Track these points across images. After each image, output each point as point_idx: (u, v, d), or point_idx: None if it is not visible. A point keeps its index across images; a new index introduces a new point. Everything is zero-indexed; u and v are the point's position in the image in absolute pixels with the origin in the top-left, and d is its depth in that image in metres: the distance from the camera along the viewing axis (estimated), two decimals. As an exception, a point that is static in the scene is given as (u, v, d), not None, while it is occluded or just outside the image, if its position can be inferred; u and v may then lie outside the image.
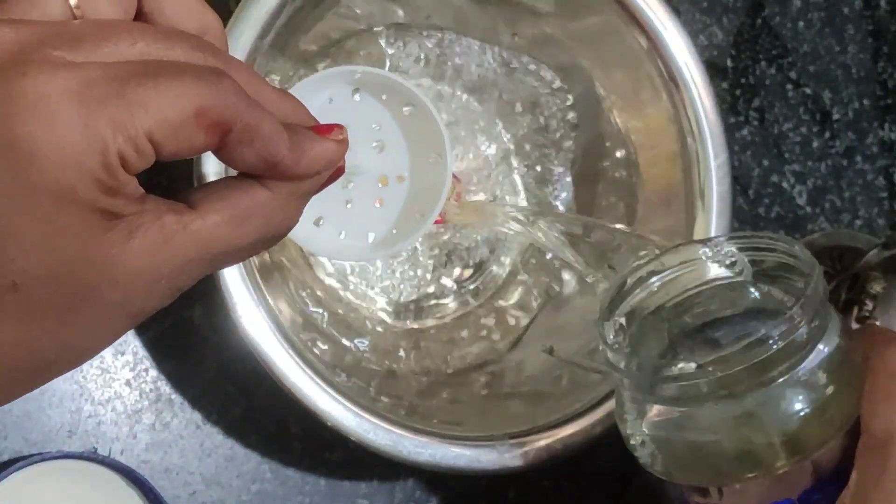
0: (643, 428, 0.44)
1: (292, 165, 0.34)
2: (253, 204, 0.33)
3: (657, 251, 0.45)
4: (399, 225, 0.49)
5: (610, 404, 0.55)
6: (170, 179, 0.52)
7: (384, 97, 0.48)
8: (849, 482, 0.41)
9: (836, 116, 0.70)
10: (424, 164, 0.49)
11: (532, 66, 0.62)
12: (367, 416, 0.52)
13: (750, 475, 0.42)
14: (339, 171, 0.36)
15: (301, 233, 0.49)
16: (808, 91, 0.70)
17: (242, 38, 0.51)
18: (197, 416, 0.57)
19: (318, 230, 0.49)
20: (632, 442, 0.45)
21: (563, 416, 0.55)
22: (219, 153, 0.32)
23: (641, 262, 0.45)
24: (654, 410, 0.43)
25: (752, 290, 0.44)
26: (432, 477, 0.59)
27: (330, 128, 0.35)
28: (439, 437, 0.53)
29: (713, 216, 0.57)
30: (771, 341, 0.40)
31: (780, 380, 0.41)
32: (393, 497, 0.59)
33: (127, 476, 0.53)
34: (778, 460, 0.41)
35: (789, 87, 0.69)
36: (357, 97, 0.48)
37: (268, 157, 0.33)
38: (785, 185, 0.69)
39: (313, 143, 0.34)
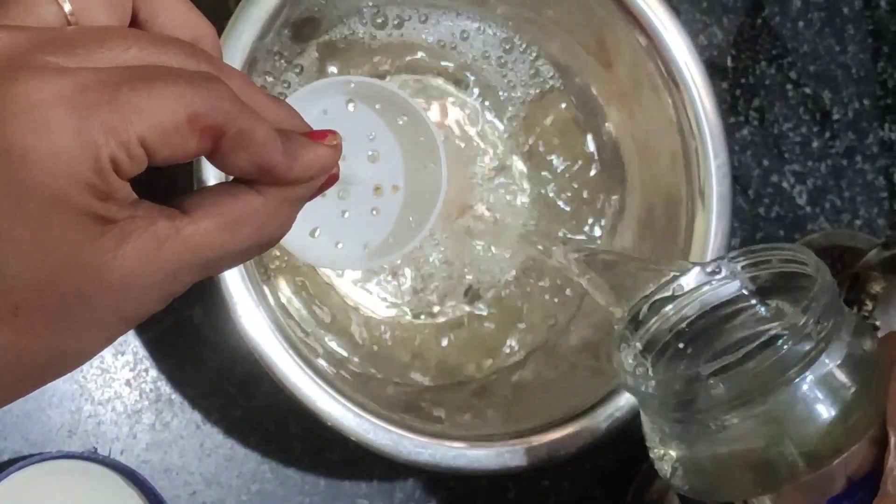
0: (667, 447, 0.44)
1: (286, 171, 0.34)
2: (246, 210, 0.33)
3: (668, 277, 0.45)
4: (395, 233, 0.50)
5: (609, 405, 0.55)
6: (170, 178, 0.52)
7: (378, 107, 0.48)
8: (880, 489, 0.41)
9: (836, 116, 0.70)
10: (420, 173, 0.49)
11: (531, 58, 0.62)
12: (367, 416, 0.52)
13: (775, 485, 0.41)
14: (333, 178, 0.36)
15: (297, 243, 0.49)
16: (808, 91, 0.70)
17: (242, 38, 0.51)
18: (197, 416, 0.57)
19: (314, 240, 0.50)
20: (657, 461, 0.45)
21: (562, 416, 0.55)
22: (212, 158, 0.32)
23: (654, 289, 0.45)
24: (676, 428, 0.43)
25: (761, 307, 0.44)
26: (432, 477, 0.59)
27: (323, 133, 0.35)
28: (439, 437, 0.53)
29: (713, 216, 0.57)
30: (780, 341, 0.40)
31: (796, 380, 0.40)
32: (393, 497, 0.59)
33: (127, 476, 0.53)
34: (803, 467, 0.41)
35: (789, 87, 0.69)
36: (351, 107, 0.48)
37: (261, 162, 0.33)
38: (785, 185, 0.69)
39: (307, 149, 0.34)
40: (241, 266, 0.50)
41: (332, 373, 0.54)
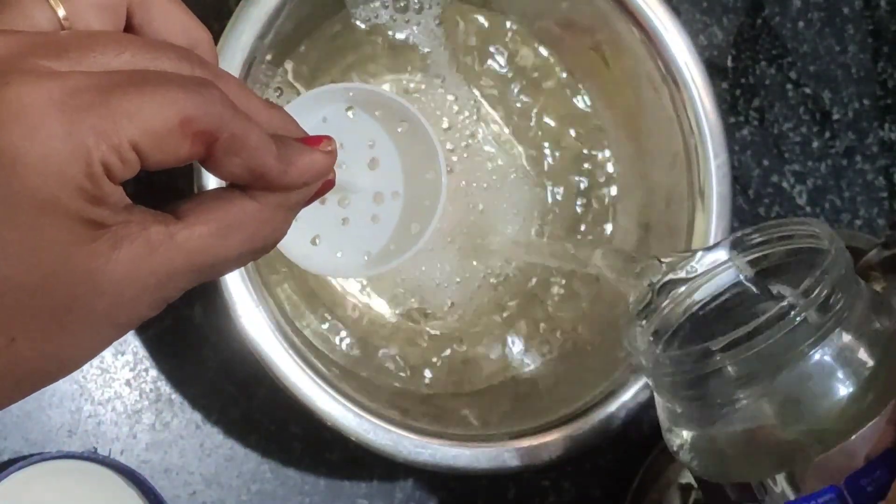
0: (679, 427, 0.43)
1: (280, 176, 0.33)
2: (240, 215, 0.33)
3: (681, 259, 0.45)
4: (396, 240, 0.49)
5: (610, 405, 0.55)
6: (169, 177, 0.52)
7: (378, 113, 0.48)
8: None
9: (836, 116, 0.70)
10: (419, 179, 0.49)
11: (534, 57, 0.62)
12: (367, 416, 0.52)
13: (790, 464, 0.41)
14: (328, 185, 0.36)
15: (298, 252, 0.49)
16: (808, 91, 0.70)
17: (242, 39, 0.51)
18: (197, 416, 0.57)
19: (315, 248, 0.49)
20: (670, 442, 0.44)
21: (562, 416, 0.55)
22: (205, 163, 0.32)
23: (666, 270, 0.45)
24: (688, 408, 0.42)
25: (768, 287, 0.44)
26: (432, 477, 0.59)
27: (318, 139, 0.35)
28: (439, 437, 0.53)
29: (713, 216, 0.57)
30: (792, 313, 0.39)
31: (809, 354, 0.39)
32: (393, 497, 0.59)
33: (127, 476, 0.53)
34: (817, 445, 0.40)
35: (789, 87, 0.69)
36: (351, 114, 0.48)
37: (255, 167, 0.33)
38: (785, 185, 0.69)
39: (301, 155, 0.34)
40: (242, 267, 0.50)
41: (333, 373, 0.54)
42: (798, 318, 0.39)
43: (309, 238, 0.50)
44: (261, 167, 0.33)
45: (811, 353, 0.40)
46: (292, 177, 0.34)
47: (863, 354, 0.40)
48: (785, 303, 0.39)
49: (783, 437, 0.41)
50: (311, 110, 0.47)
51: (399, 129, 0.49)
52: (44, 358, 0.31)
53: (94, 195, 0.30)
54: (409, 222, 0.50)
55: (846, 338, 0.40)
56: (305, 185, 0.34)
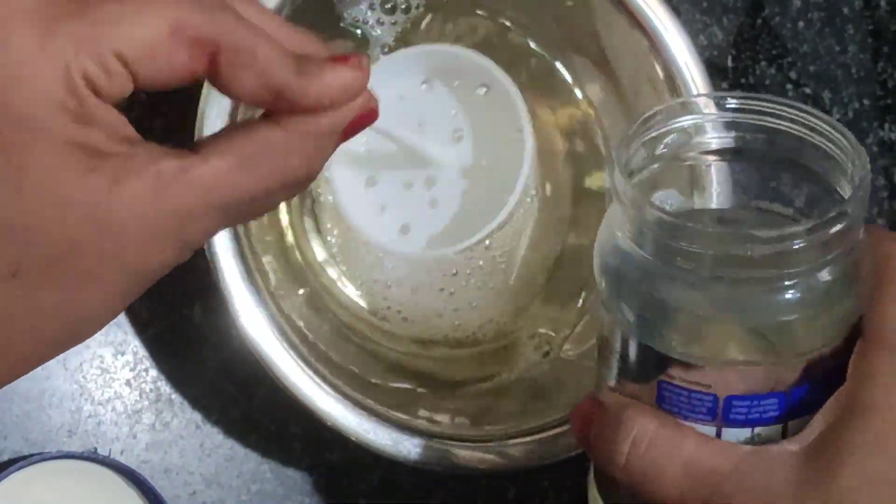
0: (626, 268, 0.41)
1: (301, 93, 0.30)
2: (264, 144, 0.30)
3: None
4: (481, 209, 0.47)
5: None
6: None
7: (456, 83, 0.46)
8: (846, 382, 0.39)
9: (836, 116, 0.70)
10: (503, 144, 0.47)
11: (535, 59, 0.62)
12: (367, 416, 0.52)
13: (702, 355, 0.39)
14: (368, 116, 0.32)
15: (387, 240, 0.47)
16: (808, 91, 0.70)
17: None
18: (197, 416, 0.57)
19: (404, 237, 0.47)
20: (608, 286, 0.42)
21: (562, 416, 0.55)
22: (215, 81, 0.29)
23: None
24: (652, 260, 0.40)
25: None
26: (432, 477, 0.59)
27: (347, 57, 0.31)
28: (439, 436, 0.53)
29: (713, 216, 0.57)
30: (796, 243, 0.37)
31: (791, 282, 0.38)
32: (393, 497, 0.59)
33: (127, 476, 0.53)
34: (746, 348, 0.39)
35: (789, 87, 0.69)
36: (425, 87, 0.46)
37: (270, 82, 0.29)
38: (785, 185, 0.69)
39: (325, 69, 0.30)
40: (242, 265, 0.50)
41: (333, 373, 0.54)
42: (797, 245, 0.37)
43: (398, 227, 0.47)
44: (278, 82, 0.29)
45: (795, 280, 0.38)
46: (316, 93, 0.30)
47: (833, 279, 0.39)
48: (799, 229, 0.37)
49: (711, 325, 0.39)
50: (383, 86, 0.44)
51: (479, 94, 0.46)
52: (51, 313, 0.28)
53: (78, 113, 0.27)
54: (495, 184, 0.47)
55: (826, 274, 0.38)
56: (333, 106, 0.30)
